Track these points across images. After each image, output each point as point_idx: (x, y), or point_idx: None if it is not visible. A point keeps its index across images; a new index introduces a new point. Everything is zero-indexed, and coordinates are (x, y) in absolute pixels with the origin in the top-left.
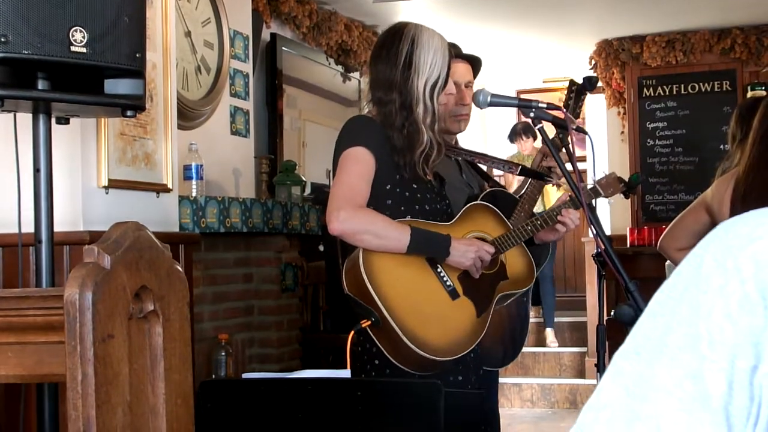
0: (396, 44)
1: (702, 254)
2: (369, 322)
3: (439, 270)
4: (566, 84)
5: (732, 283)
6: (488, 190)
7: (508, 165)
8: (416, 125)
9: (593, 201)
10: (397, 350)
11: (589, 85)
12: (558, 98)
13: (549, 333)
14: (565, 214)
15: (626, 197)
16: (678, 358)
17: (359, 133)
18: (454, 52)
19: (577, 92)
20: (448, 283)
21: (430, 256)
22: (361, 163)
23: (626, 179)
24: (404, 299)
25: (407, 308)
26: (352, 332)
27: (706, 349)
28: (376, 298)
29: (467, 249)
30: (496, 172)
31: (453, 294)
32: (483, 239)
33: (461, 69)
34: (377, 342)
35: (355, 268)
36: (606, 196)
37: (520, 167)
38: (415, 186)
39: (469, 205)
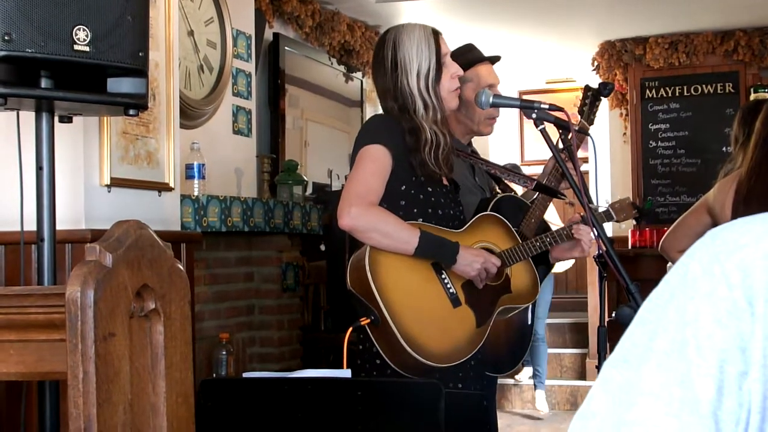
0: (381, 53)
1: (689, 261)
2: (368, 321)
3: (443, 276)
4: (568, 85)
5: (720, 289)
6: (501, 195)
7: (524, 179)
8: (416, 124)
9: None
10: (394, 352)
11: (605, 90)
12: (560, 99)
13: (539, 395)
14: (575, 229)
15: (638, 222)
16: (665, 364)
17: (378, 131)
18: (476, 56)
19: (593, 98)
20: (451, 290)
21: (436, 260)
22: (377, 160)
23: (639, 205)
24: (406, 302)
25: (408, 311)
26: (350, 329)
27: (693, 354)
28: (378, 298)
29: (474, 259)
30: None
31: (455, 301)
32: (491, 251)
33: (488, 71)
34: (375, 342)
35: (360, 265)
36: (618, 221)
37: (535, 182)
38: (430, 189)
39: (480, 215)
